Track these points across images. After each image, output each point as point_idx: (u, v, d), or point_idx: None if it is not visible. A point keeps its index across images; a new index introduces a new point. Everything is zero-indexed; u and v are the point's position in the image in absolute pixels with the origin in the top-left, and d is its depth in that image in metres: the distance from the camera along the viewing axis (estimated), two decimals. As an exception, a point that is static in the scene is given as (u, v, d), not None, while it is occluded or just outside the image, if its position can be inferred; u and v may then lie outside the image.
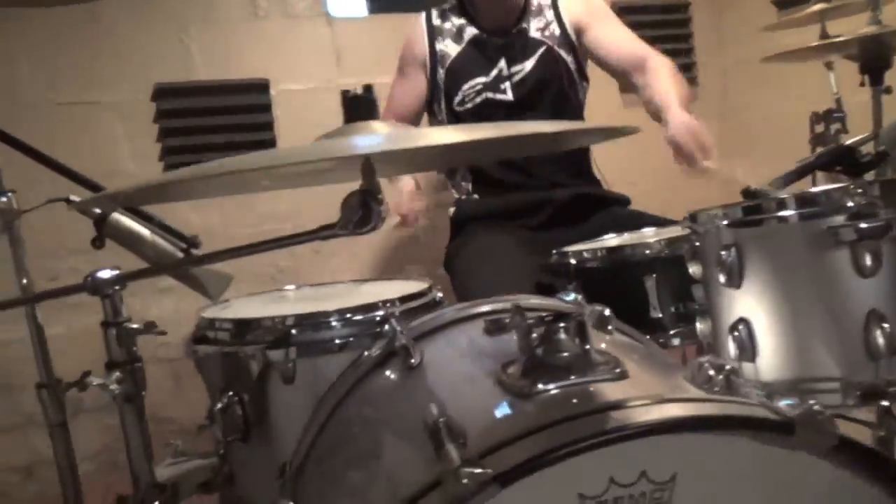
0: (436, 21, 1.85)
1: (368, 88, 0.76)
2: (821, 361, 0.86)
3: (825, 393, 0.85)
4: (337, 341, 1.10)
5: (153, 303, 2.14)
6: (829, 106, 1.57)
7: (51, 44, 2.16)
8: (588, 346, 0.67)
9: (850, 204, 0.83)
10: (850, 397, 0.84)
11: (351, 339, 1.10)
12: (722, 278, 0.91)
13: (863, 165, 1.11)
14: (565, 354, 0.67)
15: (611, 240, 1.39)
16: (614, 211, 1.79)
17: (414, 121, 1.87)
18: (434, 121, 1.91)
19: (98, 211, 1.12)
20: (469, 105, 1.80)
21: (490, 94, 1.79)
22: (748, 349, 0.90)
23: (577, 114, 1.88)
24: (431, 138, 0.76)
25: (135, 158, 2.31)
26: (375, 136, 0.76)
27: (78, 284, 0.91)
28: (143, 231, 1.12)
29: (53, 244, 2.05)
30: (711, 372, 0.62)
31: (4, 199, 1.08)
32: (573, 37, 1.81)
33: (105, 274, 0.92)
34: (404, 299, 1.16)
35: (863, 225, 0.81)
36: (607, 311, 0.90)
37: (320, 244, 2.53)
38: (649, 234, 1.40)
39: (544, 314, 0.69)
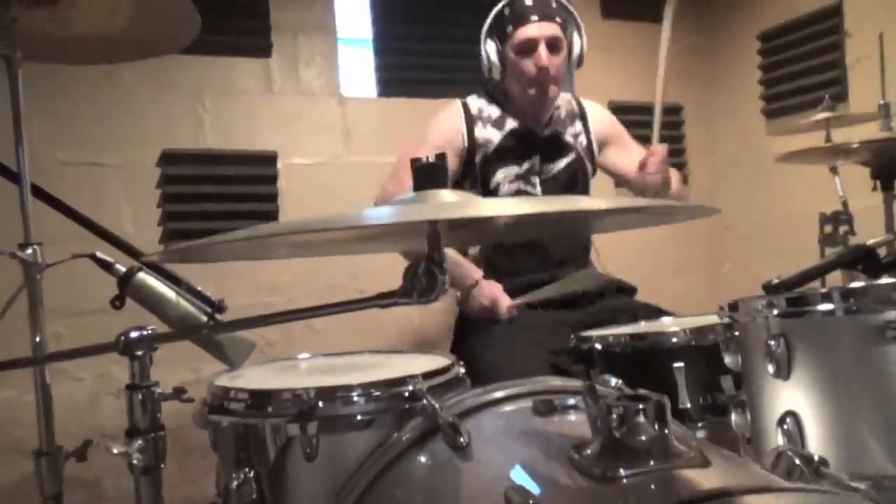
0: (474, 110, 1.88)
1: (441, 157, 0.76)
2: (873, 457, 0.85)
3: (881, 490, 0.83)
4: (360, 417, 1.06)
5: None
6: (836, 208, 1.63)
7: (65, 101, 2.16)
8: (667, 431, 0.65)
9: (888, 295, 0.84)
10: (904, 497, 0.82)
11: (377, 415, 1.06)
12: (771, 369, 0.90)
13: (883, 266, 1.14)
14: (644, 438, 0.64)
15: (632, 327, 1.39)
16: (621, 298, 1.80)
17: None
18: None
19: (122, 269, 1.08)
20: (502, 192, 1.83)
21: (521, 185, 1.84)
22: (798, 444, 0.88)
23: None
24: (503, 208, 0.75)
25: (134, 221, 2.28)
26: (444, 204, 0.76)
27: (108, 343, 0.86)
28: (169, 292, 1.08)
29: (69, 302, 1.99)
30: (797, 461, 0.60)
31: (30, 251, 1.04)
32: (596, 149, 1.94)
33: (137, 333, 0.88)
34: (428, 375, 1.13)
35: None
36: (665, 399, 0.88)
37: (316, 321, 2.49)
38: (669, 322, 1.41)
39: (619, 396, 0.67)
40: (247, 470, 1.02)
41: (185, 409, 1.12)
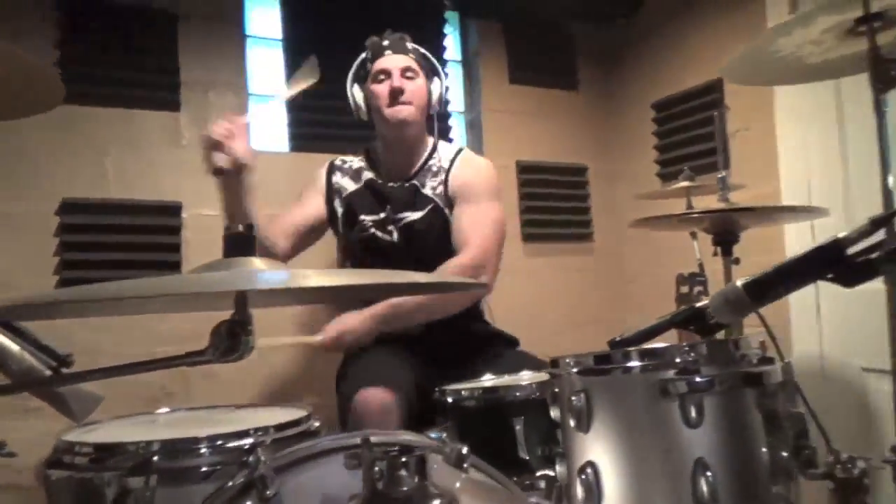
0: (338, 162, 2.06)
1: (250, 227, 0.83)
2: (659, 506, 0.92)
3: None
4: (203, 469, 1.09)
5: (22, 424, 2.00)
6: (693, 270, 1.75)
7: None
8: (426, 482, 0.71)
9: (678, 360, 0.93)
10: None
11: (218, 467, 1.09)
12: (572, 422, 0.98)
13: (711, 327, 1.24)
14: (404, 489, 0.70)
15: (489, 380, 1.46)
16: (500, 350, 1.87)
17: (296, 234, 2.02)
18: (341, 242, 2.12)
19: (-32, 323, 1.10)
20: (364, 235, 1.94)
21: (377, 232, 1.94)
22: (594, 492, 0.95)
23: (451, 251, 2.01)
24: (300, 281, 0.82)
25: (28, 271, 2.25)
26: (250, 273, 0.82)
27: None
28: (13, 346, 1.10)
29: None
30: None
31: None
32: (452, 198, 2.01)
33: (-42, 388, 0.90)
34: (280, 427, 1.17)
35: (689, 379, 0.90)
36: (465, 450, 0.94)
37: (215, 370, 2.48)
38: (526, 376, 1.48)
39: (391, 450, 0.73)
40: (77, 525, 1.03)
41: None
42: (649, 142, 3.08)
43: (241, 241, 0.82)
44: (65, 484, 1.07)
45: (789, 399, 1.14)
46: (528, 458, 1.24)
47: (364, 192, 2.01)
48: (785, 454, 0.98)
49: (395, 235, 1.95)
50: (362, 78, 2.04)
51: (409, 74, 1.95)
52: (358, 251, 2.01)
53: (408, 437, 1.03)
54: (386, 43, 1.99)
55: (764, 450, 0.97)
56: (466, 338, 1.94)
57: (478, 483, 0.89)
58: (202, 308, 0.96)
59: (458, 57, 3.16)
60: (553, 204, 3.13)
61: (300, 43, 2.77)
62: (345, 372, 1.84)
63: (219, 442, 1.11)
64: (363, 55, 2.05)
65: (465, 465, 0.92)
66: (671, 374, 0.93)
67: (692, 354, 0.95)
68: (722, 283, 1.71)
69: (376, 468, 0.71)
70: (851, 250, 0.90)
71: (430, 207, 1.97)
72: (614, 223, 3.22)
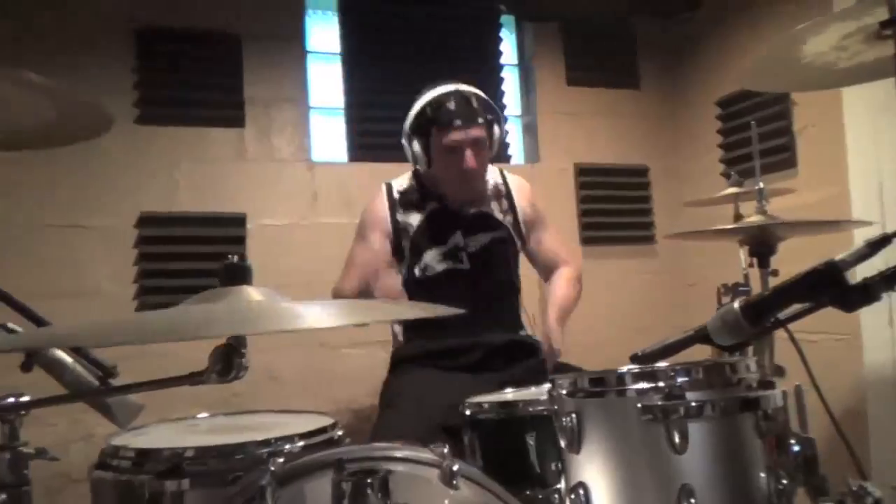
0: (396, 194, 2.01)
1: (243, 258, 0.89)
2: (647, 529, 0.92)
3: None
4: (227, 475, 1.17)
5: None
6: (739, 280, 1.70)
7: (50, 171, 2.39)
8: (389, 500, 0.75)
9: (668, 384, 0.93)
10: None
11: (241, 472, 1.17)
12: (563, 442, 0.99)
13: (730, 346, 1.21)
14: (367, 505, 0.75)
15: (510, 393, 1.48)
16: (539, 361, 1.88)
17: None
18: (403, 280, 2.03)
19: (30, 337, 1.23)
20: (430, 275, 1.94)
21: (449, 264, 1.94)
22: (584, 511, 0.96)
23: (515, 275, 2.05)
24: (286, 322, 0.88)
25: (112, 279, 2.46)
26: (242, 307, 0.89)
27: (-18, 408, 1.00)
28: (67, 359, 1.23)
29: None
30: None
31: (-55, 322, 1.20)
32: (523, 228, 2.05)
33: (10, 399, 1.02)
34: (302, 436, 1.25)
35: (672, 405, 0.90)
36: (455, 467, 0.98)
37: (280, 373, 2.62)
38: (544, 390, 1.48)
39: (358, 470, 0.78)
40: (119, 522, 1.14)
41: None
42: (713, 140, 2.97)
43: (237, 271, 0.89)
44: (109, 484, 1.18)
45: (801, 423, 1.11)
46: (540, 471, 1.26)
47: (429, 226, 1.96)
48: (786, 482, 0.95)
49: (466, 262, 1.95)
50: (422, 133, 1.90)
51: (478, 145, 1.87)
52: (421, 289, 1.94)
53: (409, 452, 1.07)
54: (452, 108, 1.85)
55: (762, 476, 0.95)
56: (510, 346, 1.95)
57: (467, 501, 0.92)
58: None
59: (515, 61, 3.16)
60: (613, 206, 3.08)
61: (358, 56, 2.87)
62: (386, 389, 1.90)
63: (243, 449, 1.19)
64: (421, 107, 1.89)
65: (454, 482, 0.96)
66: (657, 398, 0.92)
67: (685, 378, 0.94)
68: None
69: (343, 486, 0.76)
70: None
71: (502, 234, 2.00)
72: (677, 224, 3.13)
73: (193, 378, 0.91)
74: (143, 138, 2.52)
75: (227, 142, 2.65)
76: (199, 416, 1.47)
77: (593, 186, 3.08)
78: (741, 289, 1.67)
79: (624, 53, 3.18)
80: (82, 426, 2.34)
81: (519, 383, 1.61)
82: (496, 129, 1.93)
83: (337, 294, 1.96)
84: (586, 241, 3.04)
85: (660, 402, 0.91)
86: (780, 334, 1.26)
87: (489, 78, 2.97)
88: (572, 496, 0.98)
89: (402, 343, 1.99)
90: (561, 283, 1.99)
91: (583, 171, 3.08)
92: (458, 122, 1.84)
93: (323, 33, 2.91)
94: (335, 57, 2.88)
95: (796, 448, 1.00)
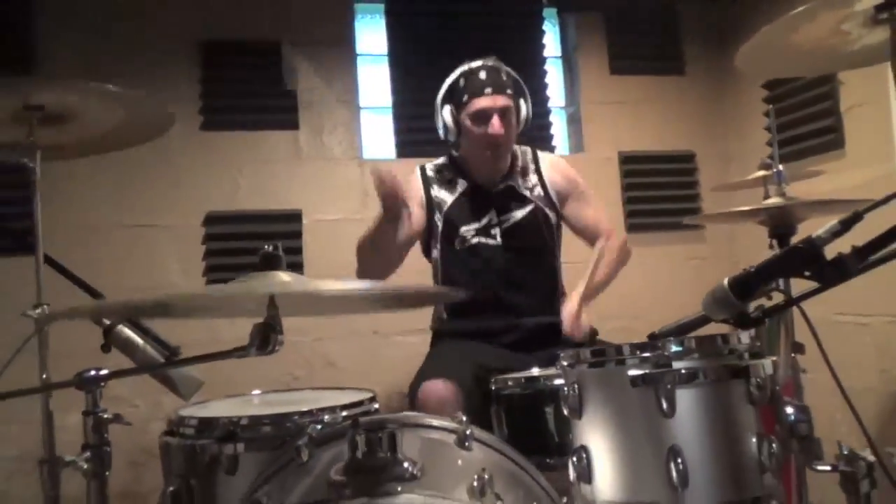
0: (430, 172, 2.14)
1: (276, 247, 1.03)
2: (641, 488, 1.01)
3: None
4: (279, 440, 1.32)
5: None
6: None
7: (123, 176, 2.62)
8: (396, 453, 0.87)
9: (658, 354, 1.01)
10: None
11: (288, 438, 1.32)
12: (566, 410, 1.09)
13: (750, 321, 1.26)
14: (378, 457, 0.87)
15: (535, 370, 1.57)
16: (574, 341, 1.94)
17: (402, 250, 2.03)
18: (430, 259, 2.16)
19: (107, 322, 1.42)
20: (466, 246, 2.04)
21: (482, 239, 2.04)
22: (585, 473, 1.06)
23: (551, 255, 2.12)
24: (314, 287, 1.01)
25: (182, 274, 2.69)
26: (278, 282, 1.03)
27: (68, 381, 1.18)
28: (139, 340, 1.41)
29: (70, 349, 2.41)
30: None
31: (39, 310, 1.40)
32: (555, 199, 2.09)
33: (92, 373, 1.20)
34: (342, 407, 1.39)
35: (659, 373, 0.98)
36: (469, 431, 1.09)
37: (336, 359, 2.80)
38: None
39: (370, 428, 0.90)
40: (181, 480, 1.31)
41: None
42: (760, 122, 2.94)
43: (272, 258, 1.03)
44: (175, 448, 1.36)
45: (796, 393, 1.16)
46: (558, 441, 1.35)
47: (462, 202, 2.06)
48: (776, 446, 1.02)
49: (499, 238, 2.03)
50: (453, 102, 2.03)
51: (506, 115, 1.97)
52: (456, 262, 2.04)
53: (428, 419, 1.19)
54: (483, 76, 1.97)
55: (753, 441, 1.02)
56: (546, 328, 2.03)
57: (473, 460, 1.04)
58: (248, 315, 1.17)
59: (558, 53, 3.22)
60: (658, 193, 3.10)
61: (405, 56, 3.00)
62: (423, 363, 2.02)
63: (289, 418, 1.34)
64: (455, 77, 2.04)
65: (467, 444, 1.07)
66: (647, 368, 1.00)
67: (678, 348, 1.02)
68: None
69: (357, 439, 0.88)
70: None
71: (531, 207, 2.06)
72: (726, 209, 3.11)
73: (237, 351, 1.05)
74: (207, 143, 2.73)
75: (283, 143, 2.83)
76: (254, 392, 1.64)
77: (638, 174, 3.11)
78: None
79: (668, 40, 3.18)
80: (160, 408, 2.57)
81: (550, 364, 1.70)
82: (523, 105, 2.02)
83: (359, 242, 1.98)
84: (632, 227, 3.07)
85: (648, 371, 0.99)
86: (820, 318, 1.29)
87: (533, 71, 3.04)
88: (574, 458, 1.07)
89: (442, 320, 2.11)
90: (596, 257, 1.96)
91: (627, 160, 3.11)
92: (487, 90, 1.96)
93: (371, 35, 3.05)
94: (383, 58, 3.02)
95: (790, 414, 1.06)
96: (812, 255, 0.93)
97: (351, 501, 0.72)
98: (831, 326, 1.30)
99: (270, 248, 1.04)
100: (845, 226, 0.90)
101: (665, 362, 0.99)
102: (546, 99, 3.10)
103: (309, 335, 2.76)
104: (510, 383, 1.49)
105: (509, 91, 2.00)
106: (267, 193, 2.79)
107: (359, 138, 2.94)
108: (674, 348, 1.02)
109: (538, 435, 1.41)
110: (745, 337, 1.05)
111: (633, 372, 1.00)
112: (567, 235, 2.22)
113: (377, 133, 3.01)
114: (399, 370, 2.82)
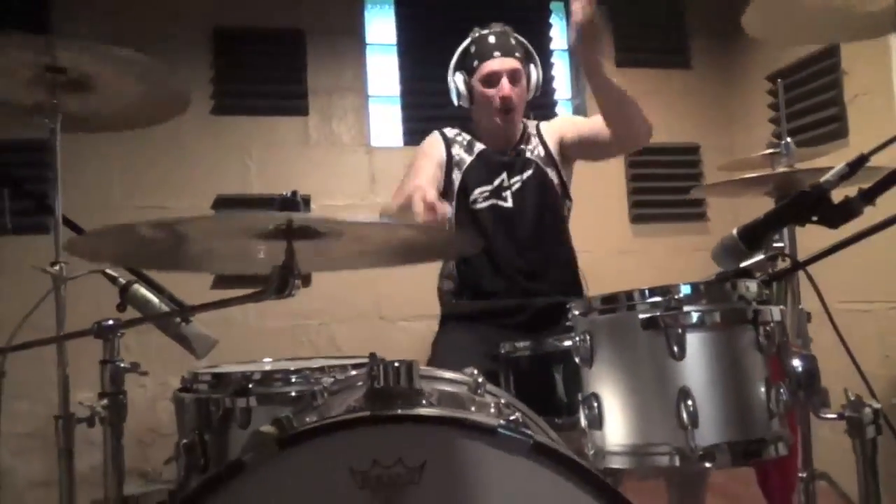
0: (449, 134, 2.16)
1: (294, 193, 1.06)
2: (651, 430, 1.03)
3: (657, 455, 1.01)
4: (291, 394, 1.34)
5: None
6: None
7: (137, 160, 2.66)
8: (412, 384, 0.89)
9: (669, 298, 1.03)
10: (674, 461, 1.00)
11: (301, 391, 1.34)
12: (577, 359, 1.11)
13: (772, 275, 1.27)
14: (397, 386, 0.89)
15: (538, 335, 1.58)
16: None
17: None
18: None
19: (123, 281, 1.45)
20: (480, 206, 2.07)
21: (494, 201, 2.07)
22: (596, 420, 1.07)
23: (559, 224, 2.12)
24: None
25: (191, 255, 2.71)
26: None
27: (87, 329, 1.21)
28: (154, 299, 1.43)
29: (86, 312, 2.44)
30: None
31: (57, 267, 1.42)
32: (555, 152, 2.10)
33: (108, 322, 1.22)
34: (353, 366, 1.41)
35: (669, 315, 1.00)
36: (480, 379, 1.12)
37: (342, 343, 2.82)
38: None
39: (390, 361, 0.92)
40: (196, 433, 1.33)
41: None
42: (765, 114, 2.98)
43: (289, 203, 1.06)
44: (189, 403, 1.37)
45: (803, 343, 1.18)
46: (567, 401, 1.37)
47: (478, 164, 2.09)
48: (784, 392, 1.04)
49: (510, 200, 2.05)
50: (465, 68, 2.08)
51: (515, 78, 2.00)
52: (469, 222, 2.05)
53: (444, 373, 1.21)
54: (492, 41, 2.03)
55: (762, 387, 1.04)
56: (558, 307, 2.03)
57: (488, 403, 1.06)
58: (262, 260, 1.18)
59: (565, 46, 3.25)
60: (664, 184, 3.13)
61: (413, 46, 3.04)
62: (433, 346, 2.04)
63: (301, 373, 1.36)
64: (466, 44, 2.09)
65: (479, 391, 1.10)
66: (657, 311, 1.02)
67: (687, 293, 1.04)
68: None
69: (373, 371, 0.90)
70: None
71: (532, 168, 2.09)
72: (730, 201, 3.14)
73: (256, 296, 1.08)
74: (218, 128, 2.77)
75: (293, 129, 2.87)
76: (265, 360, 1.65)
77: (643, 165, 3.14)
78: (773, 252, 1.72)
79: (674, 34, 3.22)
80: (167, 388, 2.59)
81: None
82: (533, 70, 2.04)
83: (382, 212, 2.04)
84: (636, 219, 3.10)
85: (658, 314, 1.01)
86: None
87: (540, 63, 3.07)
88: (585, 406, 1.09)
89: (449, 303, 2.12)
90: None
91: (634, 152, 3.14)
92: (496, 54, 1.98)
93: (380, 25, 3.09)
94: (391, 48, 3.06)
95: (797, 364, 1.08)
96: (820, 198, 0.95)
97: (372, 413, 0.73)
98: (834, 314, 1.31)
99: (289, 193, 1.07)
100: (852, 168, 0.93)
101: (675, 306, 1.01)
102: (553, 91, 3.14)
103: (314, 319, 2.78)
104: (518, 346, 1.51)
105: (518, 54, 2.02)
106: (276, 178, 2.82)
107: (367, 126, 2.97)
108: (683, 293, 1.04)
109: (547, 395, 1.43)
110: (754, 285, 1.07)
111: (643, 315, 1.02)
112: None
113: (385, 121, 3.04)
114: (405, 355, 2.83)
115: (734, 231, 1.07)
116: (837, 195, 1.00)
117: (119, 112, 1.60)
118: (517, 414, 0.77)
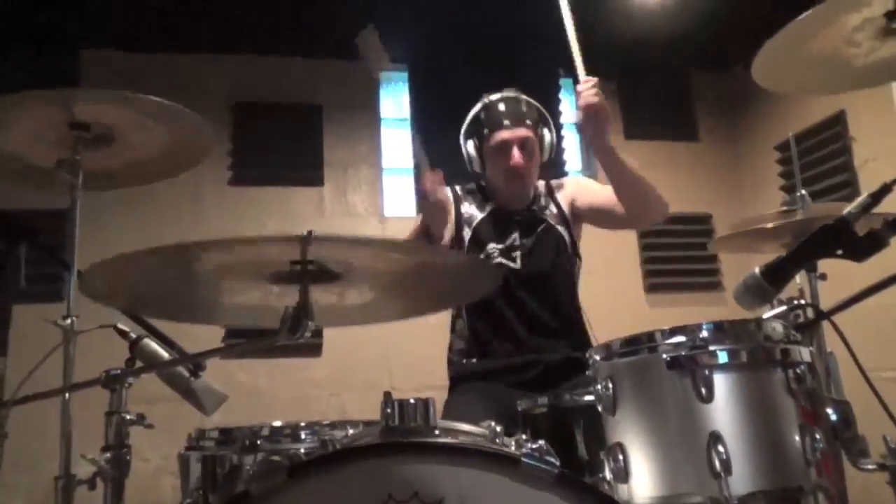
0: (460, 191, 2.17)
1: (310, 232, 1.05)
2: (681, 480, 0.97)
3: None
4: (303, 450, 1.29)
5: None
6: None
7: (154, 229, 2.69)
8: (429, 422, 0.86)
9: (694, 338, 1.00)
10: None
11: (312, 448, 1.28)
12: (600, 407, 1.06)
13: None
14: (411, 424, 0.85)
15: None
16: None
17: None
18: None
19: (133, 335, 1.43)
20: (494, 261, 2.05)
21: (503, 261, 2.04)
22: (622, 471, 1.02)
23: (569, 283, 2.09)
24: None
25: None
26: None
27: (95, 379, 1.18)
28: (164, 354, 1.40)
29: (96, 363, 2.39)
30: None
31: (69, 320, 1.41)
32: (567, 212, 2.09)
33: (116, 371, 1.19)
34: (366, 423, 1.36)
35: (694, 355, 0.96)
36: (499, 429, 1.07)
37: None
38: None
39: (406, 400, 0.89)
40: (200, 492, 1.27)
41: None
42: (776, 183, 3.00)
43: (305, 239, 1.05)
44: (195, 462, 1.32)
45: (834, 388, 1.13)
46: (588, 458, 1.30)
47: (490, 221, 2.07)
48: (819, 437, 0.98)
49: (519, 261, 2.02)
50: (476, 135, 2.09)
51: (526, 146, 2.01)
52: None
53: (461, 426, 1.15)
54: (502, 108, 2.04)
55: (796, 433, 0.98)
56: (569, 362, 1.98)
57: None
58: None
59: (575, 119, 3.32)
60: (677, 253, 3.12)
61: (425, 120, 3.12)
62: (445, 407, 1.98)
63: (311, 428, 1.31)
64: (476, 111, 2.12)
65: (497, 440, 1.05)
66: (682, 351, 0.99)
67: (711, 332, 1.01)
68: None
69: (388, 410, 0.87)
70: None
71: (544, 226, 2.08)
72: (746, 270, 3.11)
73: (268, 339, 1.05)
74: (235, 198, 2.82)
75: (309, 200, 2.91)
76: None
77: (655, 234, 3.14)
78: (795, 301, 1.68)
79: (681, 107, 3.29)
80: (171, 461, 2.51)
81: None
82: (546, 134, 2.05)
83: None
84: (651, 288, 3.07)
85: (684, 353, 0.98)
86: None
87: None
88: (610, 459, 1.03)
89: (459, 364, 2.07)
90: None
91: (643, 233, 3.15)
92: (506, 123, 1.99)
93: (394, 100, 3.19)
94: (405, 122, 3.14)
95: (831, 411, 1.03)
96: (843, 230, 0.94)
97: (385, 441, 0.69)
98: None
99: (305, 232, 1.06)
100: (875, 198, 0.91)
101: (700, 345, 0.98)
102: (563, 162, 3.19)
103: (325, 389, 2.72)
104: (538, 402, 1.46)
105: (528, 122, 2.04)
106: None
107: (381, 196, 3.01)
108: (707, 331, 1.01)
109: (568, 454, 1.36)
110: (780, 325, 1.04)
111: (667, 355, 0.99)
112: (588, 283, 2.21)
113: (398, 192, 3.09)
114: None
115: (756, 269, 1.04)
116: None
117: (140, 165, 1.63)
118: (540, 442, 0.72)
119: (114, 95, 1.41)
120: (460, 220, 2.09)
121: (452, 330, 2.11)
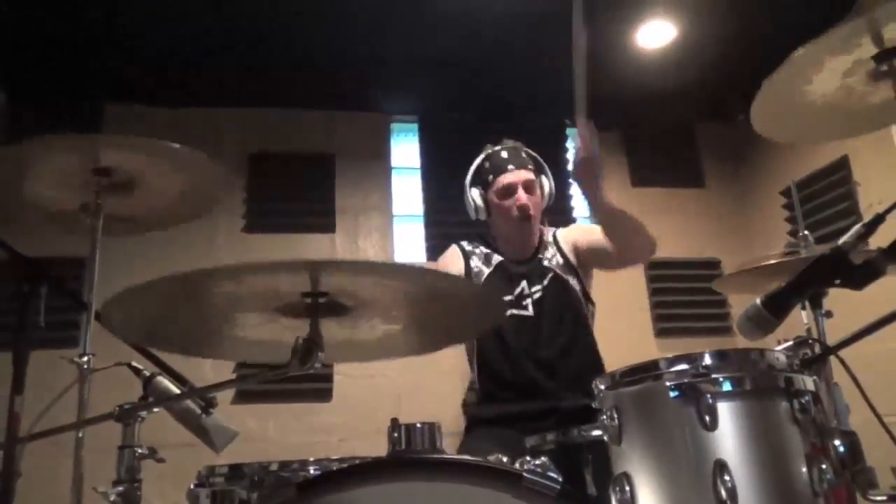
0: (467, 247, 2.22)
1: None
2: (686, 509, 0.97)
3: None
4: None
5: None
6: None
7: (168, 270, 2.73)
8: (435, 444, 0.87)
9: (696, 367, 1.01)
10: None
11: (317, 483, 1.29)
12: (605, 437, 1.07)
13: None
14: (417, 450, 0.87)
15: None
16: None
17: None
18: None
19: (147, 373, 1.45)
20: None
21: (516, 311, 2.07)
22: (628, 502, 1.02)
23: (582, 329, 2.11)
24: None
25: (214, 369, 2.71)
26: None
27: (108, 413, 1.20)
28: (176, 391, 1.43)
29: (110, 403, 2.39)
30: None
31: (86, 358, 1.44)
32: (572, 259, 2.14)
33: (129, 405, 1.21)
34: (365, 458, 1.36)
35: (696, 383, 0.98)
36: (504, 459, 1.08)
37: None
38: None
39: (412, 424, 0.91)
40: (210, 531, 1.27)
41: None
42: (783, 228, 3.02)
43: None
44: (204, 499, 1.33)
45: (838, 420, 1.13)
46: (598, 494, 1.29)
47: (497, 275, 2.14)
48: (825, 468, 0.98)
49: (531, 309, 2.07)
50: (481, 183, 2.18)
51: (530, 188, 2.10)
52: (492, 333, 2.06)
53: (469, 459, 1.16)
54: (505, 155, 2.15)
55: (802, 463, 0.98)
56: (585, 410, 1.97)
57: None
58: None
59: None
60: (687, 298, 3.12)
61: (435, 168, 3.20)
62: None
63: (320, 463, 1.32)
64: (480, 160, 2.21)
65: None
66: (685, 379, 1.00)
67: (715, 361, 1.02)
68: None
69: (395, 434, 0.88)
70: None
71: (550, 276, 2.11)
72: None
73: (278, 369, 1.07)
74: (248, 245, 2.87)
75: (321, 246, 2.96)
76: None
77: (665, 280, 3.15)
78: (801, 339, 1.69)
79: (686, 155, 3.35)
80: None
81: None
82: (545, 181, 2.13)
83: None
84: (660, 332, 3.06)
85: (687, 381, 0.99)
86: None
87: (558, 185, 3.18)
88: (616, 490, 1.03)
89: (474, 407, 2.07)
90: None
91: (654, 265, 3.17)
92: (510, 167, 2.09)
93: (405, 149, 3.27)
94: (415, 171, 3.22)
95: (838, 443, 1.03)
96: (840, 261, 0.96)
97: (390, 455, 0.71)
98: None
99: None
100: (869, 228, 0.94)
101: (703, 373, 0.99)
102: (571, 209, 3.24)
103: (335, 434, 2.71)
104: (548, 438, 1.46)
105: (530, 166, 2.12)
106: (301, 293, 2.88)
107: (391, 243, 3.06)
108: (710, 359, 1.02)
109: (576, 489, 1.36)
110: (783, 356, 1.05)
111: (671, 382, 1.00)
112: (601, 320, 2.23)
113: (409, 238, 3.14)
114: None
115: (757, 300, 1.06)
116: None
117: (159, 210, 1.68)
118: (543, 459, 0.73)
119: (136, 141, 1.48)
120: (469, 276, 2.14)
121: (471, 371, 2.13)
